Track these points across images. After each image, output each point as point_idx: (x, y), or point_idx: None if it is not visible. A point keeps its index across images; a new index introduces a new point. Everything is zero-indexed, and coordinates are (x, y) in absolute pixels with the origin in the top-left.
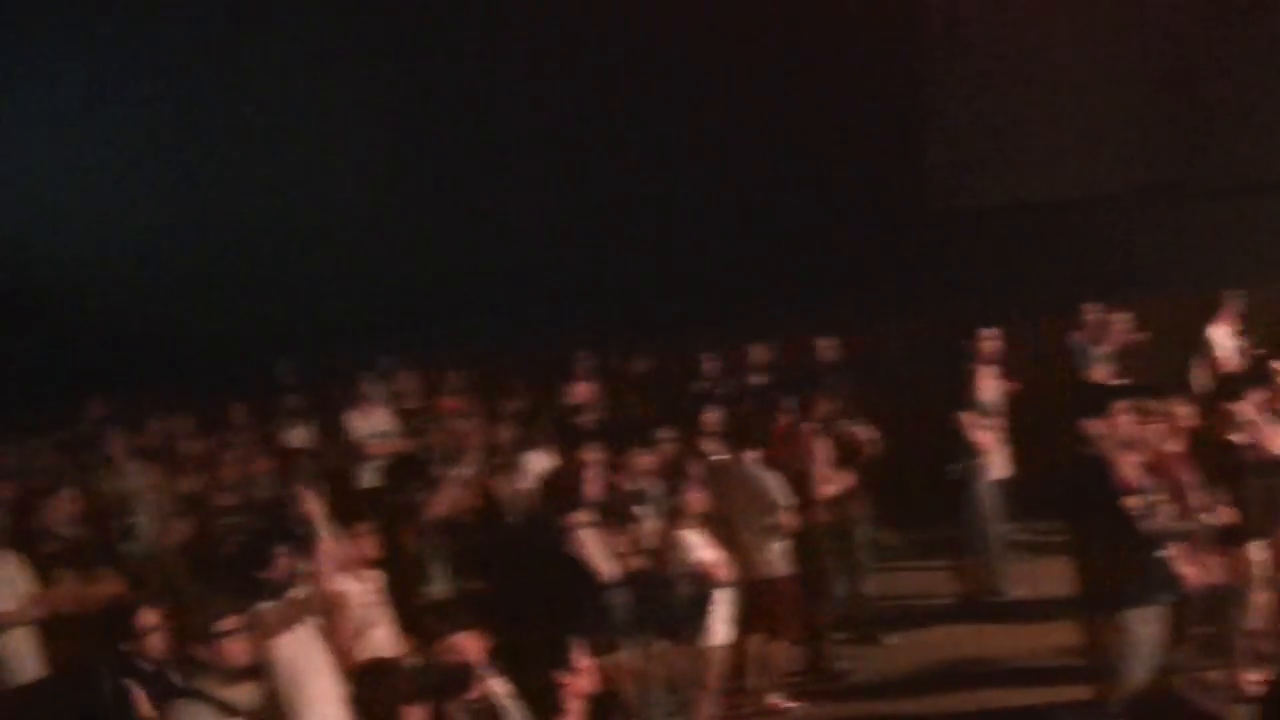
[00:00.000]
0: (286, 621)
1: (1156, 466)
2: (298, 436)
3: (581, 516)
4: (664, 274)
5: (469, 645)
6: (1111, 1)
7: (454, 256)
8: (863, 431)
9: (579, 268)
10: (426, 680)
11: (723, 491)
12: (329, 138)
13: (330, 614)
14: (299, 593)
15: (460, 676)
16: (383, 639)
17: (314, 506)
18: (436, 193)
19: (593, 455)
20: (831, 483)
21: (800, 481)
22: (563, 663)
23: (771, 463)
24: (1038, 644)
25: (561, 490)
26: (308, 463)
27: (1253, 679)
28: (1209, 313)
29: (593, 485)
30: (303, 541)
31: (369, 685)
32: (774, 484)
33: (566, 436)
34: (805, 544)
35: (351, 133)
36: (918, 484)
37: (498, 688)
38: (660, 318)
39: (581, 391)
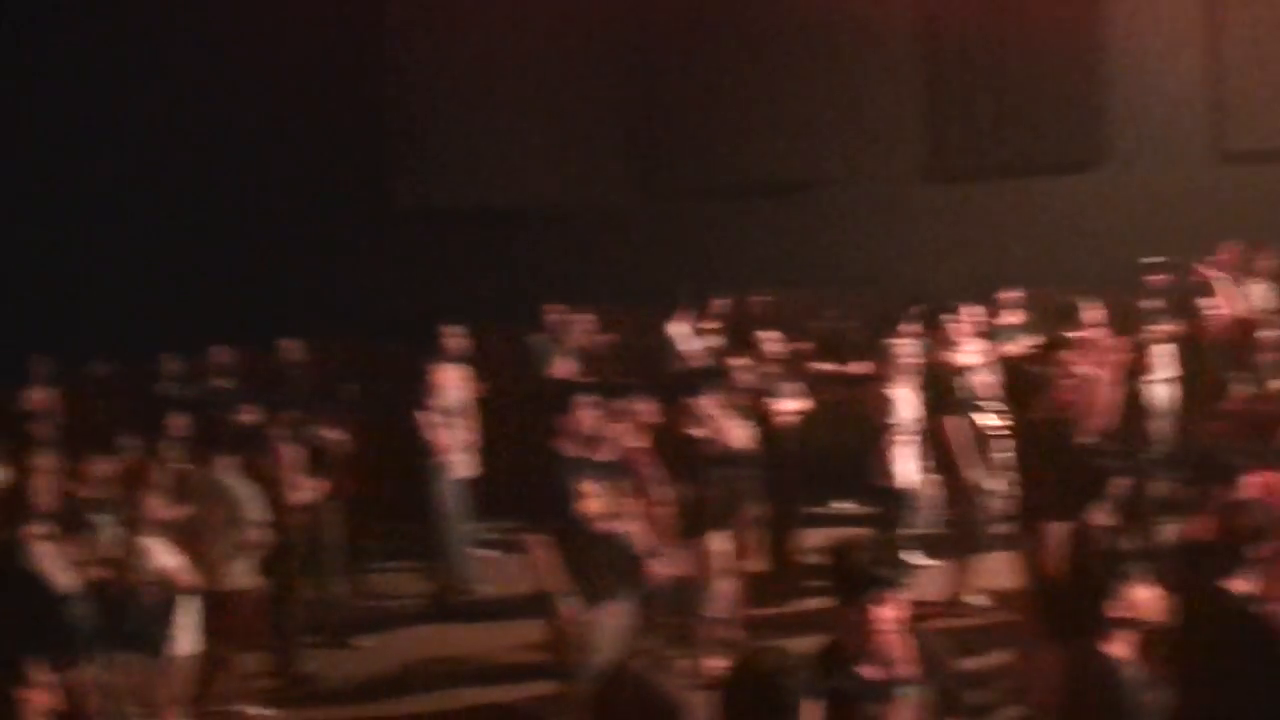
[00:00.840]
0: None
1: (621, 461)
2: None
3: (37, 528)
4: (124, 274)
5: None
6: (581, 8)
7: None
8: (332, 434)
9: (34, 269)
10: None
11: (190, 499)
12: None
13: None
14: None
15: None
16: None
17: None
18: None
19: (48, 464)
20: (302, 487)
21: (270, 486)
22: (21, 680)
23: (242, 468)
24: (506, 641)
25: (16, 501)
26: None
27: (716, 666)
28: (670, 314)
29: (48, 495)
30: None
31: None
32: (245, 492)
33: (21, 445)
34: (276, 549)
35: None
36: (388, 485)
37: None
38: (120, 320)
39: (37, 398)
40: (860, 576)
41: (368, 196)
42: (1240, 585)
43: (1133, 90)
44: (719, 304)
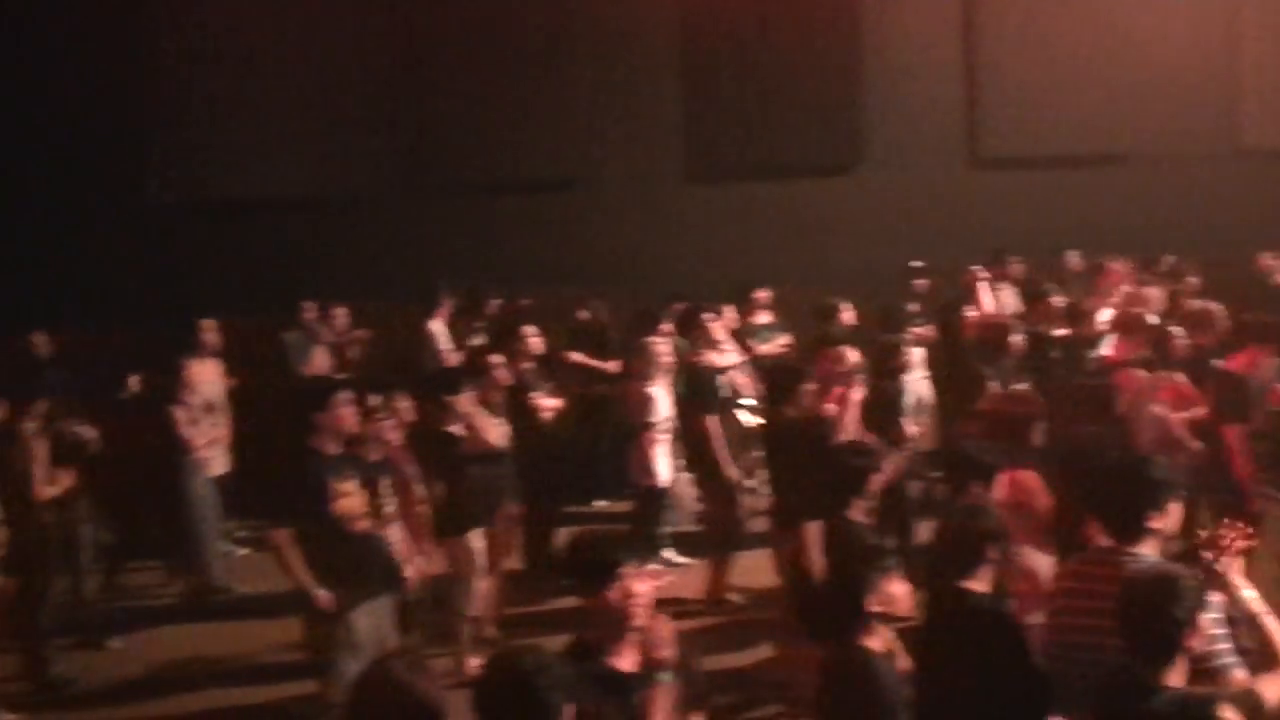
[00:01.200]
0: None
1: (378, 459)
2: None
3: None
4: None
5: None
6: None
7: None
8: (83, 429)
9: None
10: None
11: None
12: None
13: None
14: None
15: None
16: None
17: None
18: None
19: None
20: (51, 483)
21: (18, 481)
22: None
23: None
24: (261, 640)
25: None
26: None
27: (474, 665)
28: (430, 310)
29: None
30: None
31: None
32: None
33: None
34: (23, 547)
35: None
36: (140, 482)
37: None
38: None
39: None
40: (598, 566)
41: (123, 189)
42: (979, 584)
43: (889, 95)
44: (479, 300)
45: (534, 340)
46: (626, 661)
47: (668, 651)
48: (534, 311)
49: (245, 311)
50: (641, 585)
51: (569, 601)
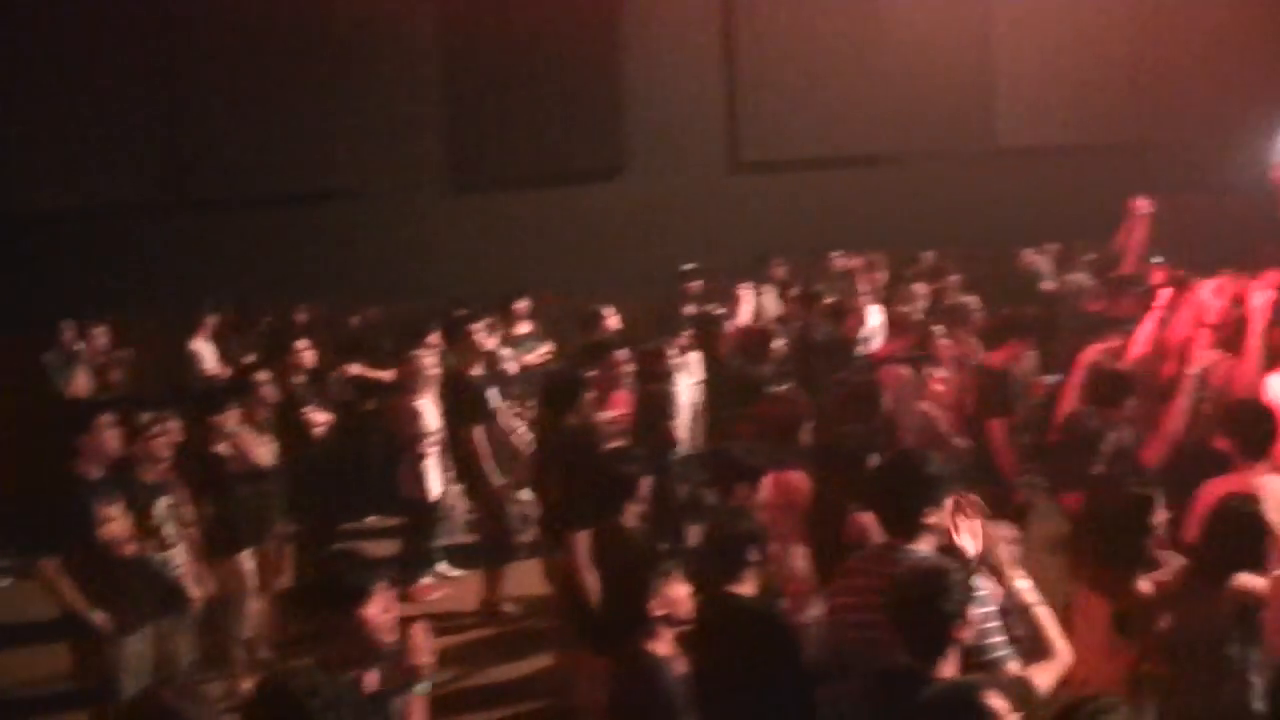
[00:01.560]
0: None
1: (145, 481)
2: None
3: None
4: None
5: None
6: (106, 11)
7: None
8: None
9: None
10: None
11: None
12: None
13: None
14: None
15: None
16: None
17: None
18: None
19: None
20: None
21: None
22: None
23: None
24: (31, 671)
25: None
26: None
27: (248, 686)
28: (194, 326)
29: None
30: None
31: None
32: None
33: None
34: None
35: None
36: None
37: None
38: None
39: None
40: (339, 585)
41: None
42: (746, 586)
43: (650, 100)
44: (248, 315)
45: (306, 354)
46: (375, 678)
47: (424, 660)
48: (305, 325)
49: (3, 331)
50: (388, 600)
51: None
